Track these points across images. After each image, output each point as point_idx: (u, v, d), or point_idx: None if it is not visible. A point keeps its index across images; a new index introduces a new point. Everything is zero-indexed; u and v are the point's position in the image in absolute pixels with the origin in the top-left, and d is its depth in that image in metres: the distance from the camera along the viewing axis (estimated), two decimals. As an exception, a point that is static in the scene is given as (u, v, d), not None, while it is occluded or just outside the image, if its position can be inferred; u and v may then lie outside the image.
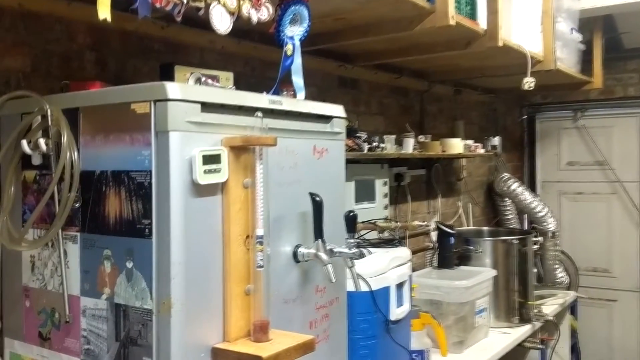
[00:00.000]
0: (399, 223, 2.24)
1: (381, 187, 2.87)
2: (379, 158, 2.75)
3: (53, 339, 1.43)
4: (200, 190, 1.24)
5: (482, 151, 3.56)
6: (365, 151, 2.52)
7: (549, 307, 3.31)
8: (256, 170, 1.29)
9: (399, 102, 3.36)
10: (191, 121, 1.22)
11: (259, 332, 1.30)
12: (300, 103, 1.52)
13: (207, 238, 1.26)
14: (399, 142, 2.90)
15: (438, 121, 3.72)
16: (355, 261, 1.54)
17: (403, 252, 2.09)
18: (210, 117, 1.27)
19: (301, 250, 1.47)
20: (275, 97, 1.43)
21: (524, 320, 2.98)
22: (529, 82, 2.88)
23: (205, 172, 1.23)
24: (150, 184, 1.23)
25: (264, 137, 1.29)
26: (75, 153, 1.35)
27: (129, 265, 1.27)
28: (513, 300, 2.98)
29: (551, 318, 3.15)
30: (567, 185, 4.75)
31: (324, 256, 1.45)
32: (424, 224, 2.54)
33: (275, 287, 1.41)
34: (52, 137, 1.37)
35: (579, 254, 4.46)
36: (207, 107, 1.26)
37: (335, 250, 1.49)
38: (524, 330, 2.94)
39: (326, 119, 1.58)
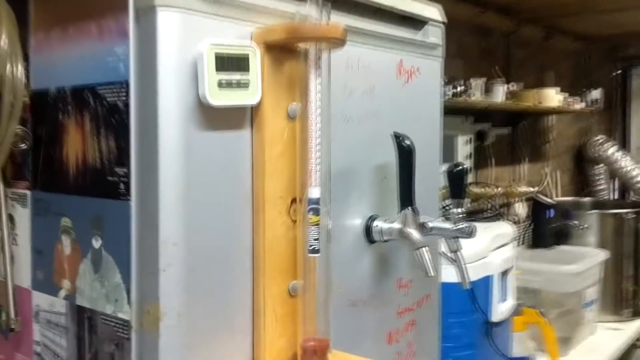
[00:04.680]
0: (499, 189, 1.68)
1: (463, 146, 2.30)
2: (464, 108, 2.18)
3: (2, 352, 0.94)
4: (212, 119, 0.71)
5: (581, 106, 2.93)
6: (448, 97, 1.96)
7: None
8: (310, 89, 0.76)
9: (480, 44, 2.77)
10: (196, -7, 0.69)
11: (313, 358, 0.78)
12: (379, -8, 0.96)
13: (225, 201, 0.73)
14: (487, 90, 2.31)
15: (525, 70, 3.10)
16: (462, 243, 0.99)
17: (505, 228, 1.54)
18: (233, -6, 0.73)
19: (378, 224, 0.93)
20: (340, -23, 0.88)
21: (637, 313, 2.40)
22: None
23: (221, 85, 0.70)
24: (127, 105, 0.71)
25: (324, 26, 0.75)
26: (19, 61, 0.84)
27: (96, 244, 0.76)
28: (625, 289, 2.40)
29: (669, 311, 2.55)
30: (667, 152, 4.06)
31: (414, 234, 0.91)
32: (532, 189, 1.97)
33: (338, 282, 0.88)
34: (-14, 37, 0.86)
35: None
36: (226, -25, 0.73)
37: (431, 225, 0.95)
38: (638, 325, 2.37)
39: (417, 23, 1.03)
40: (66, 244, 0.80)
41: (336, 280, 0.88)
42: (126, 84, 0.70)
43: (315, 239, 0.76)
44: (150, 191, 0.69)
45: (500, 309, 1.43)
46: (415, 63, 1.01)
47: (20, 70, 0.83)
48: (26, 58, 0.85)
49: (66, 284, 0.81)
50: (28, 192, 0.87)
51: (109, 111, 0.73)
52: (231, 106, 0.72)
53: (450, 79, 2.08)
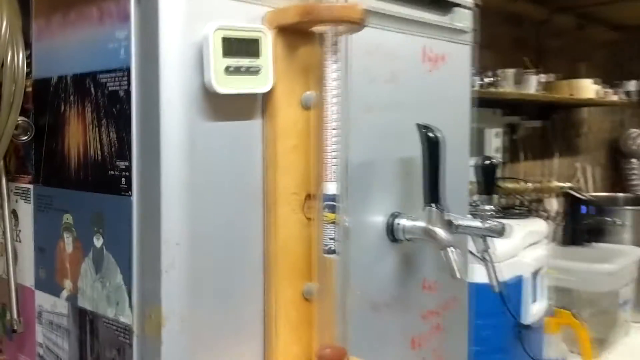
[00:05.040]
0: (530, 184, 1.60)
1: (493, 139, 2.22)
2: (494, 99, 2.10)
3: (6, 353, 0.90)
4: (219, 108, 0.66)
5: (615, 98, 2.82)
6: (477, 87, 1.88)
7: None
8: (326, 75, 0.70)
9: (511, 34, 2.68)
10: (201, -29, 0.64)
11: (328, 367, 0.72)
12: (403, -27, 0.90)
13: (234, 198, 0.68)
14: (518, 81, 2.23)
15: (558, 61, 2.99)
16: (491, 242, 0.93)
17: (538, 225, 1.46)
18: (242, -27, 0.68)
19: (401, 222, 0.87)
20: (361, -44, 0.82)
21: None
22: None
23: (228, 71, 0.64)
24: (128, 93, 0.66)
25: (342, 7, 0.68)
26: (21, 48, 0.79)
27: (98, 242, 0.71)
28: (660, 289, 2.29)
29: None
30: None
31: (440, 233, 0.85)
32: (566, 185, 1.89)
33: (358, 284, 0.82)
34: (-13, 23, 0.81)
35: None
36: (235, -48, 0.67)
37: (458, 223, 0.89)
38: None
39: (444, 5, 0.96)
40: (68, 242, 0.76)
41: (356, 281, 0.82)
42: (127, 71, 0.65)
43: (331, 238, 0.71)
44: (152, 186, 0.64)
45: (532, 311, 1.36)
46: (443, 49, 0.95)
47: (21, 58, 0.79)
48: (29, 45, 0.80)
49: (68, 284, 0.76)
50: (31, 187, 0.82)
51: (110, 100, 0.68)
52: (240, 94, 0.66)
53: (479, 69, 2.00)
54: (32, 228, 0.82)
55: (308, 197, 0.72)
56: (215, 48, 0.63)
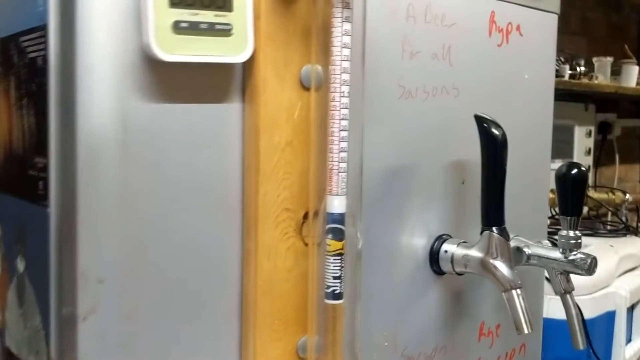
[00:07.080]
0: (628, 196, 1.32)
1: (583, 139, 1.92)
2: (585, 93, 1.81)
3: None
4: (170, 85, 0.45)
5: None
6: (566, 78, 1.60)
7: None
8: (333, 41, 0.48)
9: (609, 20, 2.36)
10: None
11: None
12: None
13: (194, 216, 0.47)
14: (615, 72, 1.92)
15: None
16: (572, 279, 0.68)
17: (637, 246, 1.18)
18: None
19: (449, 248, 0.64)
20: None
21: None
22: None
23: (179, 28, 0.44)
24: (45, 61, 0.46)
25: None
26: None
27: (20, 266, 0.52)
28: None
29: None
30: None
31: (502, 269, 0.61)
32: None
33: (386, 332, 0.60)
34: None
35: None
36: None
37: (531, 251, 0.65)
38: None
39: (521, -40, 0.72)
40: (-3, 260, 0.58)
41: (384, 328, 0.60)
42: (45, 28, 0.46)
43: (335, 277, 0.49)
44: (68, 195, 0.44)
45: (625, 354, 1.09)
46: (516, 17, 0.70)
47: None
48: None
49: (-2, 314, 0.58)
50: (-28, 185, 0.65)
51: (29, 71, 0.49)
52: (200, 64, 0.45)
53: (569, 57, 1.72)
54: (-27, 237, 0.65)
55: (305, 216, 0.51)
56: (158, -6, 0.43)
